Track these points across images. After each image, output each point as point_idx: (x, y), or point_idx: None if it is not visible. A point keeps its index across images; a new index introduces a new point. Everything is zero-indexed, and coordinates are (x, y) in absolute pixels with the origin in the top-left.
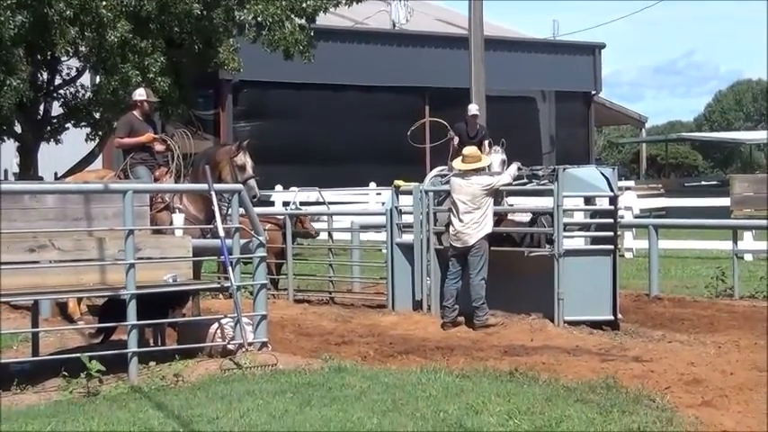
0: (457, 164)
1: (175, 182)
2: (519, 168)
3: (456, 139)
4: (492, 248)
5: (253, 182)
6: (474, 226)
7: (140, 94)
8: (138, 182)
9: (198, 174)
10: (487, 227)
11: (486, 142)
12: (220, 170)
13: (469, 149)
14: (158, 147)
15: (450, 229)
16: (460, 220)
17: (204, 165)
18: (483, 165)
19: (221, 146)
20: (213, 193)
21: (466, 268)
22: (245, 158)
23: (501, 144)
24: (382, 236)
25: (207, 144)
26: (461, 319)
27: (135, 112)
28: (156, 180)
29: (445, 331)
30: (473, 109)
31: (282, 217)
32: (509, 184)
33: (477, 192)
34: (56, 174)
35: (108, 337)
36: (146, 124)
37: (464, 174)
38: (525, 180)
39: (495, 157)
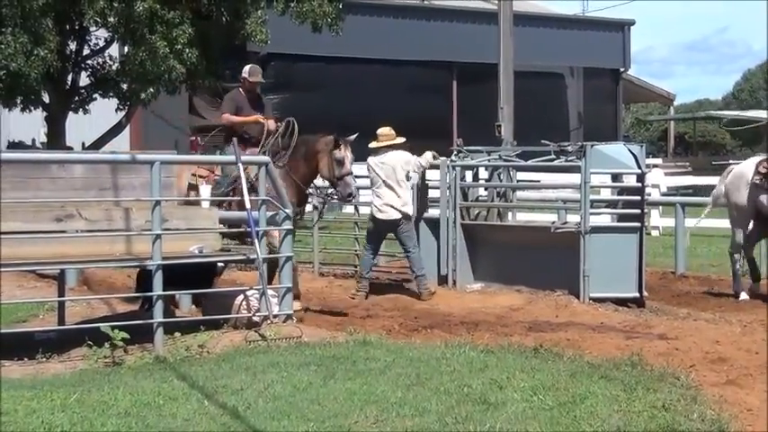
0: (373, 144)
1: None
2: (434, 157)
3: None
4: (519, 224)
5: (350, 179)
6: (394, 202)
7: (244, 71)
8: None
9: (294, 161)
10: (408, 206)
11: None
12: (317, 161)
13: (383, 129)
14: (272, 124)
15: (374, 203)
16: (379, 196)
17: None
18: (396, 142)
19: (323, 135)
20: (240, 166)
21: (381, 243)
22: (344, 152)
23: None
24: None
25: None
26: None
27: (240, 90)
28: None
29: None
30: None
31: None
32: (422, 167)
33: (395, 168)
34: (83, 144)
35: (147, 305)
36: (249, 105)
37: (378, 151)
38: (553, 156)
39: None
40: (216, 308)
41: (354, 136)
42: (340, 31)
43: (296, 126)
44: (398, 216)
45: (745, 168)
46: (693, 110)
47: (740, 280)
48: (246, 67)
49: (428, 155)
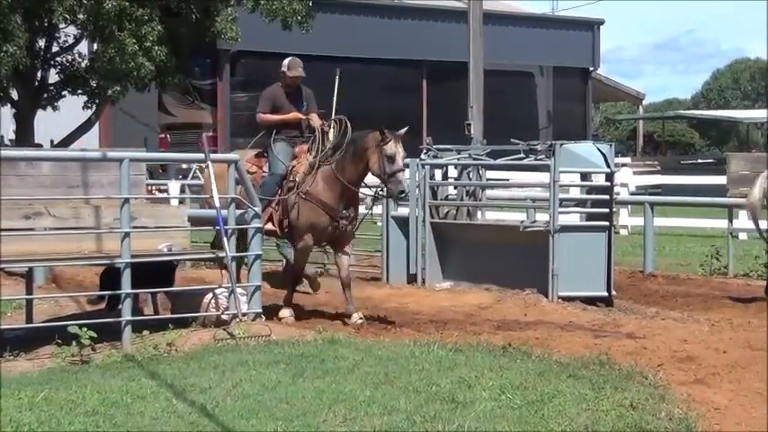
0: None
1: (315, 162)
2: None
3: None
4: (488, 222)
5: (401, 175)
6: None
7: (283, 65)
8: (275, 158)
9: (342, 161)
10: None
11: None
12: (367, 158)
13: None
14: (316, 120)
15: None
16: None
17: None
18: None
19: (372, 131)
20: (210, 164)
21: None
22: (395, 148)
23: None
24: (378, 208)
25: (204, 113)
26: None
27: (280, 85)
28: (294, 157)
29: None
30: None
31: None
32: None
33: None
34: (52, 141)
35: (113, 303)
36: (288, 101)
37: None
38: (522, 155)
39: None
40: (184, 306)
41: (404, 129)
42: (310, 29)
43: (348, 125)
44: None
45: None
46: (662, 109)
47: None
48: (285, 61)
49: None
